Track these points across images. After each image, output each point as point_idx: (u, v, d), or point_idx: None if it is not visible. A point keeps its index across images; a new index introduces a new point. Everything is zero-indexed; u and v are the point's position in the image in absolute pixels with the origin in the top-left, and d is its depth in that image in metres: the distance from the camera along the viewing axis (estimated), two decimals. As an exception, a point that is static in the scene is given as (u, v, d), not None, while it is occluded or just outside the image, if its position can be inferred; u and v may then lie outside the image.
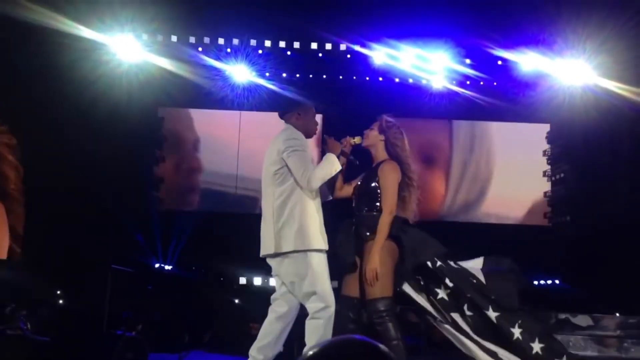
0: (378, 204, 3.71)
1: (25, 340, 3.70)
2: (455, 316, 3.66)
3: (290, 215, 3.56)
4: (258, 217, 3.83)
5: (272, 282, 3.97)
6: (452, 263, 3.73)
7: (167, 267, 8.82)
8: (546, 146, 9.54)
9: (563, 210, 9.15)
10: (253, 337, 3.76)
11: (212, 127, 9.68)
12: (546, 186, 9.50)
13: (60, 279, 6.25)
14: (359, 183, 3.85)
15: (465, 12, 7.75)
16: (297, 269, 3.55)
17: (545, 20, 7.59)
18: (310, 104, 3.95)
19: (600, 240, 7.80)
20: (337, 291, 3.64)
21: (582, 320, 5.72)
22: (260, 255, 3.70)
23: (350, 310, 3.69)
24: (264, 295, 4.03)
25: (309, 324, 3.53)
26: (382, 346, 1.29)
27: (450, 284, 3.64)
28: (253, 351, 3.66)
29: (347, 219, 3.89)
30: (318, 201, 3.67)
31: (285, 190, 3.60)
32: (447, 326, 3.70)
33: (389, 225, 3.61)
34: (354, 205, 3.85)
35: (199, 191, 9.50)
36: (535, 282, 9.13)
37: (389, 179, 3.69)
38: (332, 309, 3.52)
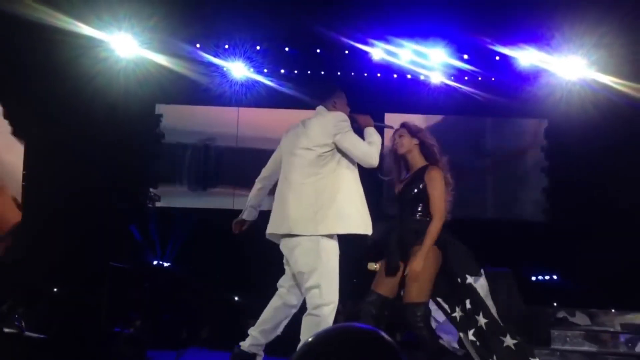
0: (420, 208, 3.76)
1: (22, 338, 3.71)
2: (462, 335, 3.70)
3: (336, 197, 3.51)
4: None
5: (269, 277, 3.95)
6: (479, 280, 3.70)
7: (166, 264, 8.83)
8: (544, 142, 9.54)
9: (561, 206, 9.15)
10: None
11: (210, 123, 9.68)
12: (544, 182, 9.51)
13: (57, 276, 6.26)
14: (402, 187, 3.88)
15: (463, 7, 7.73)
16: (309, 260, 3.46)
17: (543, 16, 7.57)
18: (341, 91, 3.87)
19: (597, 235, 7.81)
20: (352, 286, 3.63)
21: (579, 315, 5.73)
22: (282, 233, 3.58)
23: (375, 307, 3.70)
24: (262, 291, 4.02)
25: (306, 319, 3.48)
26: (384, 334, 1.28)
27: (468, 306, 3.65)
28: (255, 332, 3.65)
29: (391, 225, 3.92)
30: (360, 185, 3.62)
31: (331, 172, 3.55)
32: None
33: (438, 231, 3.66)
34: (398, 210, 3.89)
35: (197, 188, 9.50)
36: (534, 278, 9.16)
37: (438, 185, 3.74)
38: (333, 306, 3.48)
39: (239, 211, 4.15)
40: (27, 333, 3.62)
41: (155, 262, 8.81)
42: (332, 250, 3.50)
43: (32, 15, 6.90)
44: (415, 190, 3.76)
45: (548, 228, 9.13)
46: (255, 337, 3.64)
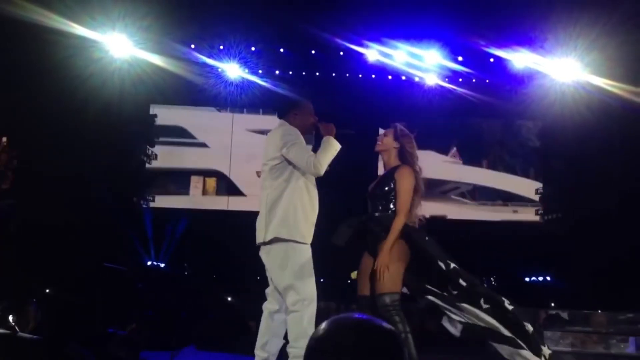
0: (392, 205, 3.82)
1: (16, 339, 3.69)
2: (469, 307, 3.71)
3: (279, 206, 3.68)
4: (249, 214, 3.87)
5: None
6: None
7: (160, 265, 8.82)
8: (538, 143, 9.57)
9: (554, 207, 9.19)
10: (247, 335, 3.81)
11: (204, 124, 9.67)
12: (538, 183, 9.54)
13: (52, 277, 6.25)
14: (374, 185, 3.96)
15: (457, 9, 7.76)
16: (280, 261, 3.66)
17: (537, 18, 7.60)
18: (306, 101, 4.03)
19: (591, 236, 7.84)
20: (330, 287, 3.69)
21: (572, 316, 5.76)
22: (257, 245, 3.81)
23: (366, 309, 3.76)
24: (258, 293, 4.05)
25: (288, 318, 3.64)
26: (383, 322, 1.31)
27: (464, 284, 3.71)
28: (257, 350, 3.76)
29: (360, 216, 3.97)
30: (314, 196, 3.76)
31: (281, 184, 3.71)
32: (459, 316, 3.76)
33: (402, 226, 3.73)
34: (370, 207, 3.94)
35: (191, 189, 9.49)
36: (527, 279, 9.19)
37: (406, 183, 3.81)
38: (312, 304, 3.62)
39: (233, 212, 4.26)
40: (20, 334, 3.61)
41: (149, 263, 8.79)
42: (301, 252, 3.66)
43: (23, 14, 6.85)
44: (386, 188, 3.85)
45: (541, 229, 9.17)
46: (259, 355, 3.76)
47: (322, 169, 3.67)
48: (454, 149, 9.73)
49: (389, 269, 3.63)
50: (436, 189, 9.53)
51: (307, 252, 3.69)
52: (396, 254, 3.69)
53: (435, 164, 9.43)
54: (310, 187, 3.76)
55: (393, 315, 3.59)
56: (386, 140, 3.96)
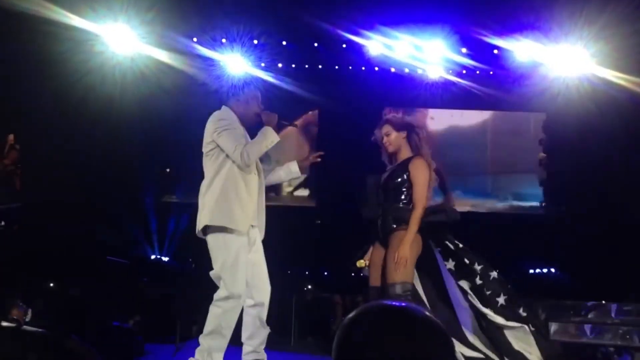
0: (404, 197, 3.83)
1: (20, 332, 3.69)
2: (463, 283, 3.82)
3: (210, 193, 3.62)
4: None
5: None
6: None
7: (164, 259, 8.80)
8: (542, 135, 9.53)
9: (559, 199, 9.15)
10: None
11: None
12: (542, 175, 9.50)
13: (55, 270, 6.24)
14: (387, 176, 3.95)
15: (461, 0, 7.70)
16: (213, 254, 3.64)
17: (542, 8, 7.52)
18: (251, 88, 3.91)
19: (595, 228, 7.81)
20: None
21: (578, 307, 5.73)
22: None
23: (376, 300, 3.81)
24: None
25: (210, 309, 3.62)
26: (428, 312, 1.26)
27: (467, 260, 3.84)
28: (245, 339, 3.82)
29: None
30: (251, 183, 3.67)
31: (214, 169, 3.65)
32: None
33: (420, 218, 3.76)
34: (382, 198, 3.95)
35: (195, 182, 9.46)
36: (531, 271, 9.16)
37: (421, 174, 3.81)
38: (236, 302, 3.56)
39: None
40: (25, 327, 3.61)
41: (153, 257, 8.78)
42: (231, 243, 3.57)
43: (20, 5, 6.72)
44: (399, 179, 3.85)
45: (546, 221, 9.14)
46: (245, 346, 3.79)
47: (251, 160, 3.56)
48: None
49: (408, 260, 3.66)
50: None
51: (237, 243, 3.58)
52: (411, 246, 3.74)
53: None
54: (245, 174, 3.65)
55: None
56: (393, 138, 3.93)
